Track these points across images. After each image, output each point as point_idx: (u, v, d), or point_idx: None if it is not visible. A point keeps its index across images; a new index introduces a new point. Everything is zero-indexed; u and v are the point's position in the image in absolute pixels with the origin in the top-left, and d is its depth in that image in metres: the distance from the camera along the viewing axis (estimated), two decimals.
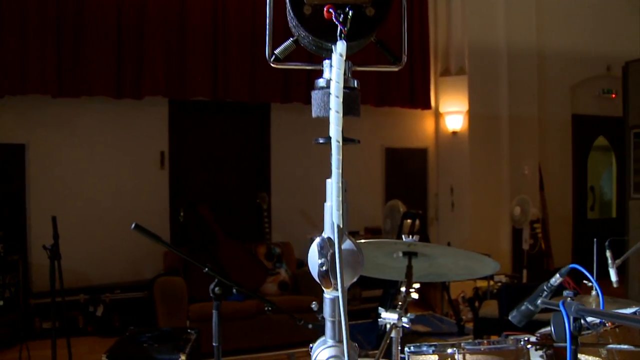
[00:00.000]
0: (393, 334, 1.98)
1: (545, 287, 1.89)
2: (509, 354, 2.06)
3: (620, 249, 3.22)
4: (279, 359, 5.38)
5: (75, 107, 6.28)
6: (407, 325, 1.97)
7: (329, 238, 0.97)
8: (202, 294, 5.33)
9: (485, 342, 2.06)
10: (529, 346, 2.13)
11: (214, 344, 2.34)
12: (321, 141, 0.99)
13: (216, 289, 2.30)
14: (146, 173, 6.64)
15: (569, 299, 1.41)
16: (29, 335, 5.26)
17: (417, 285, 2.07)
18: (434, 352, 2.09)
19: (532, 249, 7.48)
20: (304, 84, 7.00)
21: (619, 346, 2.09)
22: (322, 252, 0.96)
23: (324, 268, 0.93)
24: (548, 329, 2.27)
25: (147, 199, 6.62)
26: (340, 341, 0.95)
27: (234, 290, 2.29)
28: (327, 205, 1.00)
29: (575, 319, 1.36)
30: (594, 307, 2.47)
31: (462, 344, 2.04)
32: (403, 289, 2.05)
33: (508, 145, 8.08)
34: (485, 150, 8.01)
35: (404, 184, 7.92)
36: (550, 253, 8.01)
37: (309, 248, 0.99)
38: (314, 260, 0.97)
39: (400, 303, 2.01)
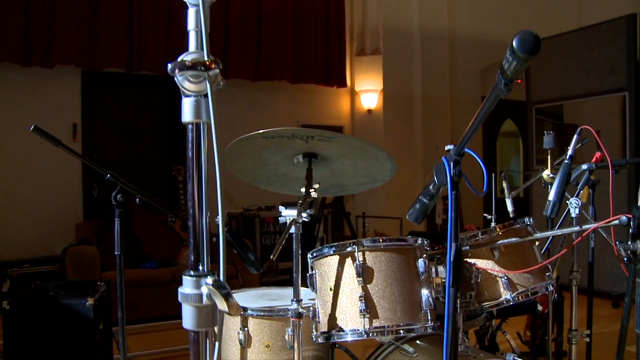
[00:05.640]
0: (293, 230, 2.04)
1: None
2: (408, 251, 2.15)
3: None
4: None
5: None
6: (306, 220, 2.03)
7: None
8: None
9: (385, 238, 2.14)
10: (427, 248, 2.23)
11: (116, 252, 2.35)
12: None
13: (118, 196, 2.31)
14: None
15: (450, 152, 1.51)
16: None
17: (316, 186, 2.13)
18: (335, 252, 2.14)
19: (444, 223, 7.73)
20: (221, 59, 6.97)
21: (507, 240, 2.24)
22: None
23: None
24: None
25: (59, 172, 6.42)
26: (201, 49, 0.97)
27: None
28: None
29: (454, 165, 1.47)
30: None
31: (362, 241, 2.11)
32: (303, 189, 2.11)
33: (421, 123, 8.35)
34: (399, 128, 8.24)
35: None
36: (461, 227, 8.31)
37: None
38: None
39: (300, 202, 2.07)
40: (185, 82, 0.92)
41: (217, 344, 0.90)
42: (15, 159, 6.22)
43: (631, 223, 1.50)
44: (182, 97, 0.96)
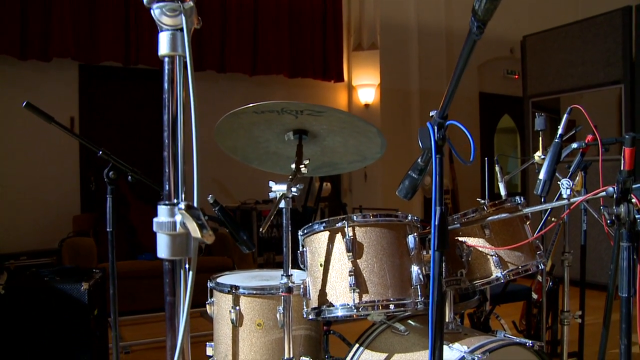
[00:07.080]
0: (282, 204, 2.05)
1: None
2: (398, 227, 2.16)
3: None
4: (193, 316, 5.34)
5: None
6: (296, 194, 2.04)
7: None
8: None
9: (375, 214, 2.15)
10: (418, 225, 2.24)
11: (108, 229, 2.36)
12: None
13: (110, 173, 2.32)
14: (55, 139, 6.42)
15: (434, 117, 1.52)
16: None
17: (306, 162, 2.14)
18: (325, 228, 2.15)
19: None
20: (218, 53, 7.01)
21: (497, 216, 2.24)
22: None
23: None
24: None
25: (57, 165, 6.44)
26: None
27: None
28: None
29: (439, 129, 1.48)
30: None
31: (352, 217, 2.12)
32: (293, 165, 2.12)
33: (419, 118, 8.37)
34: (397, 122, 8.25)
35: None
36: None
37: None
38: None
39: (290, 177, 2.08)
40: (162, 17, 0.95)
41: (190, 273, 0.91)
42: (13, 152, 6.24)
43: (615, 188, 1.51)
44: (159, 32, 0.98)
